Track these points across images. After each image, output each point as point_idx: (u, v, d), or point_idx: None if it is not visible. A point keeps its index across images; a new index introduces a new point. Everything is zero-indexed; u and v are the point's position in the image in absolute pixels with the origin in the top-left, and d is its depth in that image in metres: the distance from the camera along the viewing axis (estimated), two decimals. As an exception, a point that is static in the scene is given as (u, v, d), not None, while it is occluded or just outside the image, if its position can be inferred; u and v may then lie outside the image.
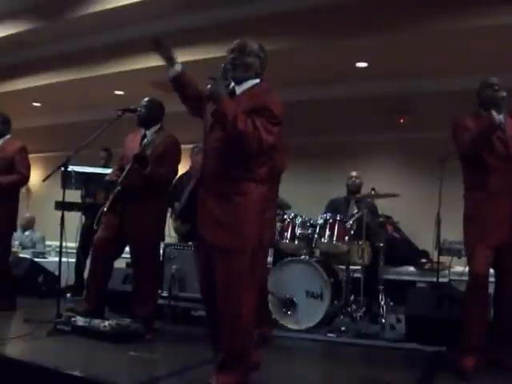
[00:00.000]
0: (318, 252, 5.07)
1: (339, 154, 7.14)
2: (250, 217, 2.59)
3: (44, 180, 3.96)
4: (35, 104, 8.22)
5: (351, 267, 4.93)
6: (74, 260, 5.38)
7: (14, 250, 5.68)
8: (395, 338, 4.21)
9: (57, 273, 4.19)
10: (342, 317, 4.67)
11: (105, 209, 3.92)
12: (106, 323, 3.66)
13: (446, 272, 5.61)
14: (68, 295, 5.39)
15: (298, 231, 4.82)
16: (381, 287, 4.75)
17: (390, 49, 5.49)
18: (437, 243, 5.13)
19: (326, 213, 5.15)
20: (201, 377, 2.75)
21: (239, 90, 2.69)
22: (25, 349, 3.37)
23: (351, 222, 4.81)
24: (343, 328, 4.43)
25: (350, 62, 5.94)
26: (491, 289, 3.40)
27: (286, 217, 4.85)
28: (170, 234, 5.04)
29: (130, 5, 5.83)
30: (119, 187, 3.91)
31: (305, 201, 6.09)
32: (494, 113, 3.22)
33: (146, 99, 4.11)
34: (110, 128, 3.91)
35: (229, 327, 2.55)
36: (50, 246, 7.33)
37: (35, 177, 6.95)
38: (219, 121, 2.53)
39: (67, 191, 4.29)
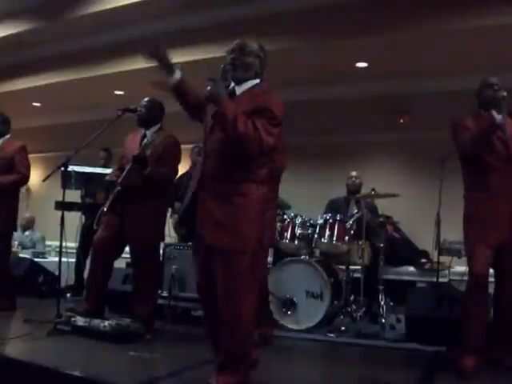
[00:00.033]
0: (317, 252, 5.07)
1: (339, 154, 7.14)
2: (250, 218, 2.58)
3: (44, 180, 3.96)
4: (35, 104, 8.22)
5: (351, 267, 4.93)
6: (74, 260, 5.39)
7: (13, 249, 5.68)
8: (395, 338, 4.21)
9: (57, 273, 4.19)
10: (341, 317, 4.67)
11: (105, 209, 3.92)
12: (106, 323, 3.66)
13: (446, 272, 5.62)
14: (68, 295, 5.39)
15: (298, 231, 4.82)
16: (381, 287, 4.75)
17: (389, 49, 5.49)
18: (437, 243, 5.13)
19: (325, 213, 5.16)
20: (201, 377, 2.75)
21: (239, 90, 2.69)
22: (25, 349, 3.37)
23: (351, 222, 4.81)
24: (343, 328, 4.43)
25: (349, 62, 5.94)
26: (491, 289, 3.40)
27: (285, 217, 4.85)
28: (170, 234, 5.04)
29: (129, 5, 5.83)
30: (119, 187, 3.91)
31: (305, 201, 6.09)
32: (494, 113, 3.23)
33: (145, 99, 4.11)
34: (110, 128, 3.91)
35: (229, 327, 2.55)
36: (50, 246, 7.33)
37: (35, 177, 6.95)
38: (219, 122, 2.53)
39: (67, 191, 4.29)
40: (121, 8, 5.90)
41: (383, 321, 4.54)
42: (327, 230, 4.77)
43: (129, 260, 4.39)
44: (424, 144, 6.50)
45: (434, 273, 5.27)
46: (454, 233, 4.68)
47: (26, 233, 7.51)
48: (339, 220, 4.80)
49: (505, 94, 3.25)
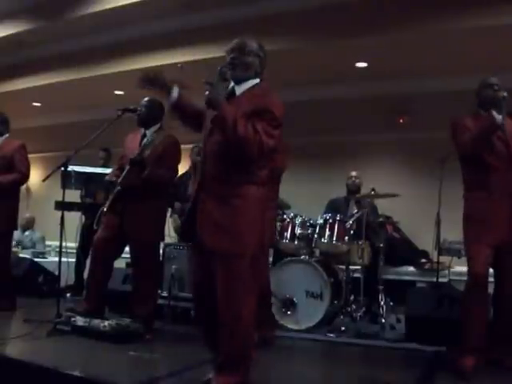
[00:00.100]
0: (317, 252, 5.07)
1: (339, 154, 7.15)
2: (249, 220, 2.56)
3: (44, 180, 3.96)
4: (35, 104, 8.21)
5: (351, 267, 4.93)
6: (73, 260, 5.38)
7: (13, 249, 5.67)
8: (395, 338, 4.20)
9: (57, 273, 4.19)
10: (341, 317, 4.67)
11: (105, 209, 3.92)
12: (106, 323, 3.66)
13: (446, 272, 5.62)
14: (68, 295, 5.39)
15: (298, 231, 4.82)
16: (381, 287, 4.75)
17: (389, 49, 5.48)
18: (437, 243, 5.13)
19: (325, 213, 5.16)
20: (201, 377, 2.75)
21: (239, 90, 2.67)
22: (25, 349, 3.37)
23: (351, 222, 4.80)
24: (343, 328, 4.43)
25: (349, 62, 5.94)
26: (491, 289, 3.40)
27: (285, 217, 4.85)
28: (170, 234, 5.04)
29: (129, 5, 5.83)
30: (119, 187, 3.91)
31: (305, 201, 6.09)
32: (494, 113, 3.23)
33: (145, 99, 4.10)
34: (110, 128, 3.91)
35: (229, 329, 2.54)
36: (49, 245, 7.34)
37: (35, 177, 6.95)
38: (219, 126, 2.51)
39: (67, 191, 4.29)
40: (120, 8, 5.90)
41: (383, 321, 4.54)
42: (327, 229, 4.77)
43: (129, 260, 4.39)
44: (424, 144, 6.50)
45: (434, 273, 5.27)
46: (453, 233, 4.68)
47: (26, 233, 7.51)
48: (339, 220, 4.80)
49: (505, 94, 3.24)
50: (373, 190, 5.03)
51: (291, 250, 4.83)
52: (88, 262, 4.26)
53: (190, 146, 5.41)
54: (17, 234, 6.31)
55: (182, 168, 4.47)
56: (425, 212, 5.44)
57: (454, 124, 3.42)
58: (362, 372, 3.44)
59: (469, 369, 3.13)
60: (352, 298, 4.81)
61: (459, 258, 5.26)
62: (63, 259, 4.00)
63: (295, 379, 3.19)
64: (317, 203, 5.86)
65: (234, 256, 2.54)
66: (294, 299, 4.49)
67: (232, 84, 2.69)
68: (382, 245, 4.86)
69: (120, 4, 5.89)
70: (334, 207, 5.55)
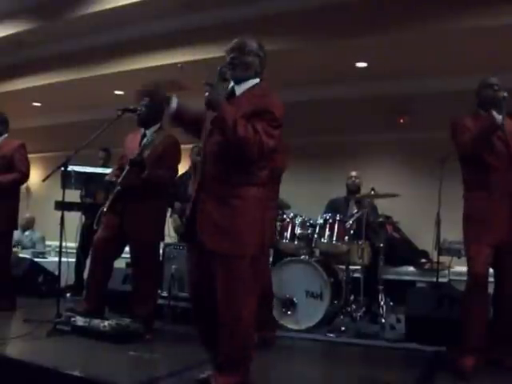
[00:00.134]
0: (317, 252, 5.07)
1: (339, 154, 7.15)
2: (249, 221, 2.56)
3: (44, 180, 3.95)
4: (35, 104, 8.22)
5: (351, 267, 4.93)
6: (73, 260, 5.38)
7: (13, 249, 5.67)
8: (395, 338, 4.20)
9: (57, 273, 4.19)
10: (341, 317, 4.67)
11: (104, 209, 3.92)
12: (106, 323, 3.66)
13: (446, 272, 5.62)
14: (68, 295, 5.39)
15: (298, 231, 4.82)
16: (381, 287, 4.75)
17: (389, 49, 5.48)
18: (436, 243, 5.13)
19: (325, 213, 5.16)
20: (199, 375, 2.75)
21: (239, 90, 2.67)
22: (25, 349, 3.37)
23: (351, 222, 4.81)
24: (343, 328, 4.43)
25: (349, 62, 5.94)
26: (491, 289, 3.40)
27: (285, 217, 4.85)
28: (170, 234, 5.04)
29: (129, 5, 5.83)
30: (119, 187, 3.91)
31: (304, 201, 6.09)
32: (494, 113, 3.23)
33: (146, 99, 4.10)
34: (110, 128, 3.91)
35: (229, 330, 2.53)
36: (49, 245, 7.34)
37: (35, 177, 6.95)
38: (219, 127, 2.51)
39: (67, 191, 4.29)
40: (120, 8, 5.90)
41: (383, 321, 4.54)
42: (327, 229, 4.77)
43: (129, 260, 4.39)
44: (424, 144, 6.50)
45: (434, 273, 5.27)
46: (453, 233, 4.68)
47: (26, 233, 7.51)
48: (339, 220, 4.80)
49: (505, 94, 3.24)
50: (373, 189, 5.03)
51: (291, 249, 4.82)
52: (88, 261, 4.26)
53: (190, 146, 5.41)
54: (17, 234, 6.30)
55: (182, 168, 4.47)
56: (425, 212, 5.44)
57: (454, 124, 3.42)
58: (362, 372, 3.44)
59: (469, 369, 3.13)
60: (352, 298, 4.81)
61: (459, 257, 5.26)
62: (63, 259, 3.99)
63: (295, 379, 3.19)
64: (317, 203, 5.86)
65: (234, 257, 2.53)
66: (294, 299, 4.49)
67: (232, 84, 2.68)
68: (381, 245, 4.86)
69: (120, 4, 5.89)
70: (333, 207, 5.55)
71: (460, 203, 3.46)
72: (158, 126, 4.08)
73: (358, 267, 4.91)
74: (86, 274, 4.44)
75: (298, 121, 5.10)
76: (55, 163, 4.07)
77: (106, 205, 3.94)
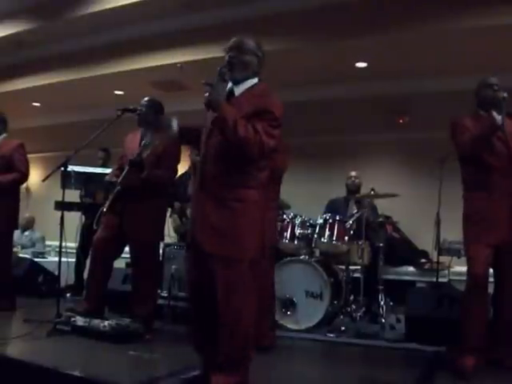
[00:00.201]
0: (317, 252, 5.07)
1: (339, 153, 7.15)
2: (249, 223, 2.55)
3: (44, 180, 3.96)
4: (35, 104, 8.22)
5: (351, 267, 4.93)
6: (73, 260, 5.39)
7: (13, 249, 5.67)
8: (395, 338, 4.20)
9: (57, 273, 4.19)
10: (341, 317, 4.67)
11: (104, 209, 3.92)
12: (106, 323, 3.66)
13: (446, 272, 5.62)
14: (68, 295, 5.39)
15: (298, 231, 4.82)
16: (380, 287, 4.76)
17: (389, 49, 5.49)
18: (436, 243, 5.13)
19: (325, 213, 5.16)
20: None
21: (238, 90, 2.65)
22: (25, 349, 3.37)
23: (351, 222, 4.81)
24: (343, 328, 4.43)
25: (349, 62, 5.94)
26: (491, 289, 3.40)
27: (285, 217, 4.85)
28: (170, 234, 5.04)
29: (129, 5, 5.83)
30: (119, 187, 3.91)
31: (304, 201, 6.08)
32: (494, 113, 3.23)
33: (145, 99, 4.11)
34: (110, 128, 3.91)
35: (229, 330, 2.53)
36: (49, 245, 7.34)
37: (35, 177, 6.96)
38: (220, 127, 2.50)
39: (67, 191, 4.29)
40: (120, 8, 5.90)
41: (383, 321, 4.54)
42: (327, 229, 4.77)
43: (128, 260, 4.39)
44: (423, 144, 6.50)
45: (434, 273, 5.27)
46: (453, 233, 4.68)
47: (26, 233, 7.51)
48: (339, 220, 4.81)
49: (505, 94, 3.24)
50: (372, 189, 5.03)
51: (291, 250, 4.82)
52: (88, 262, 4.26)
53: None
54: (17, 234, 6.30)
55: (182, 168, 4.47)
56: (424, 212, 5.44)
57: (454, 124, 3.42)
58: (361, 372, 3.44)
59: (469, 369, 3.13)
60: (352, 298, 4.82)
61: (459, 257, 5.26)
62: (63, 259, 3.99)
63: (295, 379, 3.19)
64: (316, 203, 5.86)
65: (233, 259, 2.52)
66: (294, 299, 4.49)
67: (230, 84, 2.67)
68: (381, 245, 4.86)
69: (120, 4, 5.88)
70: (333, 207, 5.55)
71: (460, 203, 3.46)
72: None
73: (358, 267, 4.91)
74: (85, 274, 4.44)
75: (298, 121, 5.10)
76: (55, 163, 4.07)
77: (105, 205, 3.94)
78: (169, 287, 4.52)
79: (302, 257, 4.69)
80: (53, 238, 6.21)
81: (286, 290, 4.49)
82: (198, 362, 2.76)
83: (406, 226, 6.11)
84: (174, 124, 2.75)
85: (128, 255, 4.10)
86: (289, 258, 4.66)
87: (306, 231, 4.84)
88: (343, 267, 4.92)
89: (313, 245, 4.85)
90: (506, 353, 3.29)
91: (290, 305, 4.49)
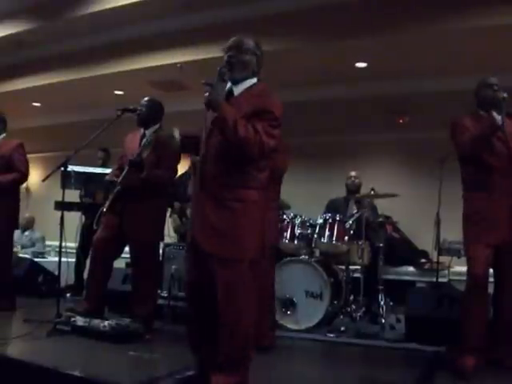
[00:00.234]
0: (317, 252, 5.07)
1: (339, 153, 7.16)
2: (249, 223, 2.54)
3: (43, 180, 3.96)
4: (35, 104, 8.21)
5: (351, 267, 4.94)
6: (73, 260, 5.39)
7: (14, 249, 5.67)
8: (395, 338, 4.21)
9: (57, 273, 4.19)
10: (341, 317, 4.67)
11: (104, 209, 3.92)
12: (106, 323, 3.66)
13: (446, 272, 5.62)
14: (68, 295, 5.39)
15: (298, 231, 4.82)
16: (380, 287, 4.76)
17: (389, 49, 5.49)
18: (436, 243, 5.13)
19: (325, 213, 5.16)
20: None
21: (237, 90, 2.65)
22: (25, 349, 3.37)
23: (351, 222, 4.81)
24: (343, 328, 4.43)
25: (349, 62, 5.94)
26: (491, 289, 3.40)
27: (285, 217, 4.85)
28: (170, 234, 5.04)
29: (129, 5, 5.83)
30: (119, 187, 3.91)
31: (304, 201, 6.09)
32: (494, 114, 3.23)
33: (145, 99, 4.11)
34: (110, 128, 3.91)
35: (229, 330, 2.53)
36: (49, 245, 7.34)
37: (35, 177, 6.96)
38: (220, 128, 2.50)
39: (67, 191, 4.29)
40: (120, 8, 5.90)
41: (383, 321, 4.54)
42: (327, 229, 4.77)
43: (128, 260, 4.39)
44: (423, 144, 6.50)
45: (434, 273, 5.27)
46: (453, 233, 4.68)
47: (26, 233, 7.51)
48: (339, 220, 4.80)
49: (505, 94, 3.24)
50: (372, 189, 5.03)
51: (291, 250, 4.82)
52: (88, 261, 4.26)
53: (190, 146, 5.41)
54: (17, 234, 6.31)
55: (182, 168, 4.47)
56: (424, 212, 5.44)
57: (454, 124, 3.42)
58: (362, 372, 3.44)
59: (469, 369, 3.13)
60: (352, 298, 4.82)
61: (459, 257, 5.27)
62: (63, 259, 3.99)
63: (295, 379, 3.19)
64: (316, 203, 5.86)
65: (233, 260, 2.52)
66: (294, 299, 4.49)
67: (229, 84, 2.66)
68: (381, 245, 4.86)
69: (120, 4, 5.88)
70: (333, 207, 5.55)
71: (460, 203, 3.46)
72: (157, 126, 4.09)
73: (358, 267, 4.91)
74: (85, 274, 4.44)
75: (298, 121, 5.11)
76: (55, 163, 4.07)
77: (105, 205, 3.94)
78: (169, 287, 4.52)
79: (301, 257, 4.69)
80: (53, 238, 6.21)
81: (286, 290, 4.49)
82: (193, 362, 2.76)
83: (405, 226, 6.12)
84: (176, 134, 2.76)
85: (128, 255, 4.10)
86: (289, 258, 4.66)
87: (305, 231, 4.84)
88: (343, 267, 4.92)
89: (313, 245, 4.86)
90: (506, 353, 3.29)
91: (289, 305, 4.49)
